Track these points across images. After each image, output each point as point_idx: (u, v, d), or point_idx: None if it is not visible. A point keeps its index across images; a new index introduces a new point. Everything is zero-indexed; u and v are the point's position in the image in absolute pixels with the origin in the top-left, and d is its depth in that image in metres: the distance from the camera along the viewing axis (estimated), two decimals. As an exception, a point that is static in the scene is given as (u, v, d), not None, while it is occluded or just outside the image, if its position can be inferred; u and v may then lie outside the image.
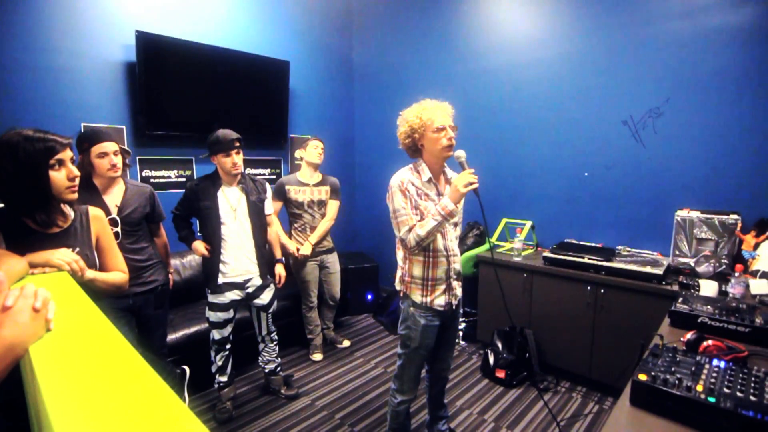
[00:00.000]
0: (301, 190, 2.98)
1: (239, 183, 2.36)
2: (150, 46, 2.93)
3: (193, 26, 3.24)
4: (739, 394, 1.10)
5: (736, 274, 1.97)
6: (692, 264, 2.47)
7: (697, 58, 2.50)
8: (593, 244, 2.93)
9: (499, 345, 2.86)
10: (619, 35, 2.77)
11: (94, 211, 1.40)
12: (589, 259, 2.63)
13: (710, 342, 1.46)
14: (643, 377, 1.22)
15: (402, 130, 1.76)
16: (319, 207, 3.03)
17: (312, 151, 2.95)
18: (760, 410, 1.02)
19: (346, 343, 3.36)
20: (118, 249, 1.49)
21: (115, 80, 2.95)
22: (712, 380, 1.17)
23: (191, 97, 3.22)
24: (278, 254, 2.64)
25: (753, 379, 1.16)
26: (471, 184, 1.62)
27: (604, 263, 2.56)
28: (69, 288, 1.04)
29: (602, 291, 2.56)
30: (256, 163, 3.78)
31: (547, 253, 2.80)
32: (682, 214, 2.51)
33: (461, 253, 3.15)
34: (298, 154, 3.10)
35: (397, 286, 1.86)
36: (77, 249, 1.27)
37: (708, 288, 2.11)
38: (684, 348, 1.48)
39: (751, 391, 1.11)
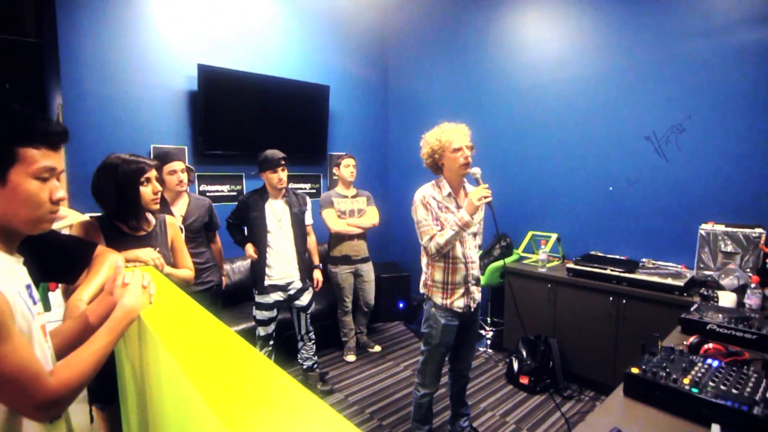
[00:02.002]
0: (343, 201, 3.28)
1: (284, 196, 2.67)
2: (209, 77, 3.35)
3: (245, 58, 3.66)
4: (722, 387, 1.23)
5: (752, 286, 2.02)
6: (716, 277, 2.51)
7: (717, 75, 2.58)
8: (617, 257, 3.00)
9: (524, 353, 2.97)
10: (641, 54, 2.88)
11: (170, 219, 1.73)
12: (611, 270, 2.72)
13: (711, 345, 1.57)
14: (635, 370, 1.36)
15: (424, 151, 1.99)
16: (359, 215, 3.31)
17: (345, 170, 3.26)
18: (738, 401, 1.15)
19: (378, 348, 3.58)
20: (187, 251, 1.80)
21: (179, 107, 3.39)
22: (700, 375, 1.30)
23: (242, 120, 3.62)
24: (316, 260, 2.92)
25: (741, 376, 1.28)
26: (485, 197, 1.80)
27: (626, 275, 2.64)
28: (156, 277, 1.34)
29: (624, 302, 2.63)
30: (298, 178, 4.13)
31: (570, 265, 2.91)
32: (706, 227, 2.56)
33: (488, 264, 3.32)
34: (335, 171, 3.41)
35: (421, 290, 2.07)
36: (158, 248, 1.58)
37: (726, 299, 2.17)
38: (686, 350, 1.58)
39: (735, 385, 1.23)
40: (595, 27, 3.10)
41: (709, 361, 1.41)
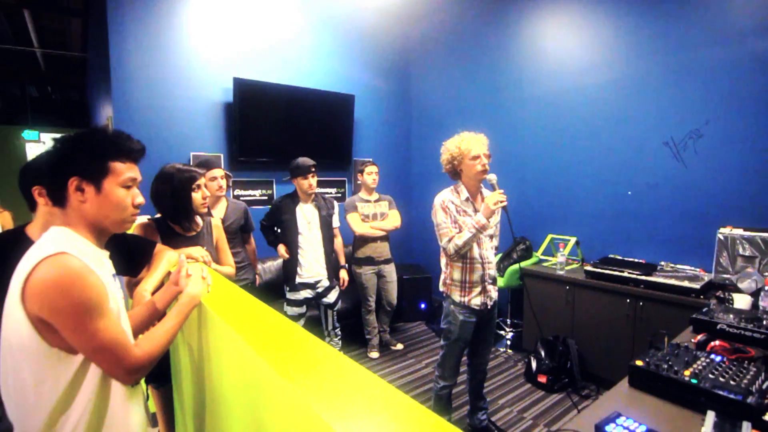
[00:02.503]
0: (366, 205, 3.46)
1: (313, 200, 2.86)
2: (243, 89, 3.60)
3: (275, 70, 3.89)
4: (721, 379, 1.32)
5: (766, 288, 2.07)
6: (734, 280, 2.55)
7: (735, 81, 2.63)
8: (635, 260, 3.05)
9: (542, 352, 3.06)
10: (659, 61, 2.95)
11: (215, 221, 1.94)
12: (629, 273, 2.78)
13: (717, 342, 1.65)
14: (639, 363, 1.47)
15: (444, 158, 2.13)
16: (381, 218, 3.48)
17: (368, 177, 3.43)
18: (734, 391, 1.25)
19: (400, 346, 3.72)
20: (228, 249, 2.00)
21: (216, 117, 3.65)
22: (701, 368, 1.39)
23: (273, 128, 3.85)
24: (342, 261, 3.10)
25: (740, 370, 1.37)
26: (500, 202, 1.93)
27: (643, 277, 2.71)
28: (208, 271, 1.54)
29: (641, 304, 2.70)
30: (324, 183, 4.33)
31: (588, 267, 2.99)
32: (724, 231, 2.60)
33: (508, 266, 3.43)
34: (359, 177, 3.60)
35: (440, 288, 2.21)
36: (205, 247, 1.78)
37: (741, 301, 2.21)
38: (694, 347, 1.67)
39: (734, 377, 1.32)
40: (615, 35, 3.18)
41: (712, 356, 1.50)
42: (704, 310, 1.98)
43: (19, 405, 0.94)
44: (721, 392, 1.24)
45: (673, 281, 2.61)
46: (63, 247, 0.92)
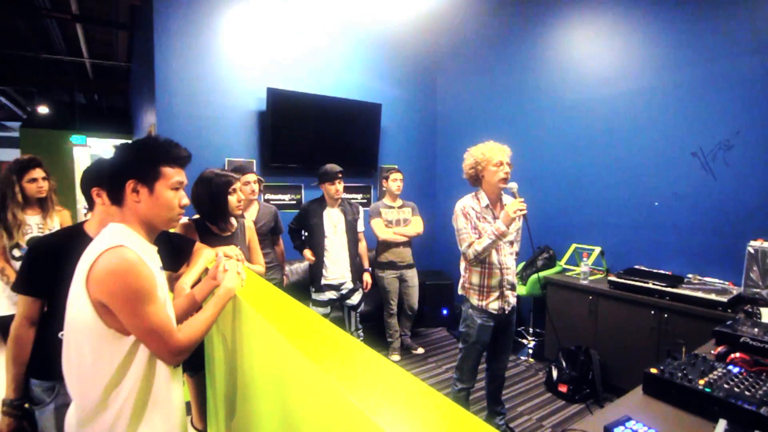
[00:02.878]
0: (389, 211, 3.55)
1: (339, 205, 2.98)
2: (276, 98, 3.78)
3: (306, 80, 4.06)
4: (736, 389, 1.33)
5: (795, 303, 2.03)
6: (765, 294, 2.49)
7: (766, 92, 2.58)
8: (662, 271, 3.01)
9: (564, 362, 3.06)
10: (688, 71, 2.93)
11: (248, 223, 2.08)
12: (653, 284, 2.76)
13: (737, 354, 1.64)
14: (653, 371, 1.49)
15: (468, 163, 2.20)
16: (404, 224, 3.57)
17: (392, 183, 3.53)
18: (748, 401, 1.26)
19: (421, 350, 3.78)
20: (260, 249, 2.14)
21: (250, 125, 3.84)
22: (716, 378, 1.40)
23: (303, 135, 4.01)
24: (366, 264, 3.20)
25: (757, 382, 1.38)
26: (520, 210, 1.99)
27: (669, 289, 2.68)
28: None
29: (666, 316, 2.67)
30: (350, 189, 4.46)
31: (612, 278, 2.97)
32: (755, 245, 2.55)
33: (530, 275, 3.44)
34: (383, 184, 3.70)
35: (459, 291, 2.27)
36: (239, 246, 1.92)
37: (769, 316, 2.17)
38: (713, 358, 1.67)
39: (749, 388, 1.33)
40: (643, 44, 3.17)
41: (730, 367, 1.50)
42: (728, 323, 1.96)
43: (79, 379, 1.08)
44: (734, 402, 1.26)
45: (699, 294, 2.57)
46: (120, 240, 1.05)
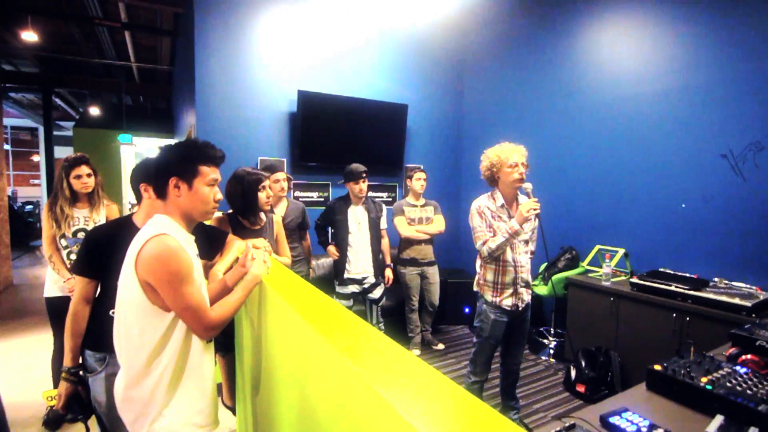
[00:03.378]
0: (412, 209, 3.66)
1: (363, 203, 3.12)
2: (306, 100, 3.96)
3: (335, 82, 4.23)
4: (738, 388, 1.36)
5: (821, 309, 1.99)
6: (793, 300, 2.43)
7: (801, 94, 2.51)
8: (686, 275, 2.97)
9: (583, 362, 3.06)
10: (717, 71, 2.87)
11: (276, 218, 2.24)
12: (676, 287, 2.73)
13: (749, 356, 1.65)
14: (657, 367, 1.53)
15: (484, 164, 2.28)
16: (426, 222, 3.67)
17: (416, 183, 3.62)
18: (747, 399, 1.29)
19: (441, 346, 3.86)
20: (286, 243, 2.30)
21: (282, 125, 4.04)
22: (719, 377, 1.43)
23: (331, 136, 4.17)
24: (388, 260, 3.32)
25: (762, 382, 1.39)
26: (534, 210, 2.05)
27: (691, 292, 2.65)
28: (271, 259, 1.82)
29: (688, 319, 2.64)
30: (377, 188, 4.59)
31: (634, 280, 2.96)
32: (785, 249, 2.49)
33: (552, 275, 3.46)
34: (407, 182, 3.80)
35: (474, 288, 2.35)
36: (267, 239, 2.08)
37: (794, 322, 2.12)
38: (725, 360, 1.68)
39: (752, 387, 1.36)
40: (672, 42, 3.13)
41: (737, 368, 1.52)
42: (746, 326, 1.95)
43: (127, 349, 1.25)
44: (734, 399, 1.29)
45: (723, 298, 2.53)
46: (164, 229, 1.22)
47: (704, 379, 1.40)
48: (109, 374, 1.57)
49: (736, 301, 2.47)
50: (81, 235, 2.54)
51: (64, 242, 2.53)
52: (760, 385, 1.36)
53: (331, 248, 3.15)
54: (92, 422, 1.66)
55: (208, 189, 1.32)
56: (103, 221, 2.60)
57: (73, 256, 2.51)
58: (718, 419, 1.25)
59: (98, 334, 1.57)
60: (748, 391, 1.33)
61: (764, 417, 1.21)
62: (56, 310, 2.52)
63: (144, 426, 1.24)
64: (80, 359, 1.59)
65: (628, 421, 1.25)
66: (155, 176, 1.31)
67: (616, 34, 3.53)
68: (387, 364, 0.77)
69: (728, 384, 1.37)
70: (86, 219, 2.58)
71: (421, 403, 0.63)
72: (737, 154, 2.80)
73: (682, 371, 1.46)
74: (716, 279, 2.88)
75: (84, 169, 2.52)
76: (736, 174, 2.81)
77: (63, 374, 1.56)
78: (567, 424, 1.25)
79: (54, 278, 2.53)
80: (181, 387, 1.26)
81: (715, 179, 2.91)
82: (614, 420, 1.25)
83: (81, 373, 1.58)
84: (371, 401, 0.68)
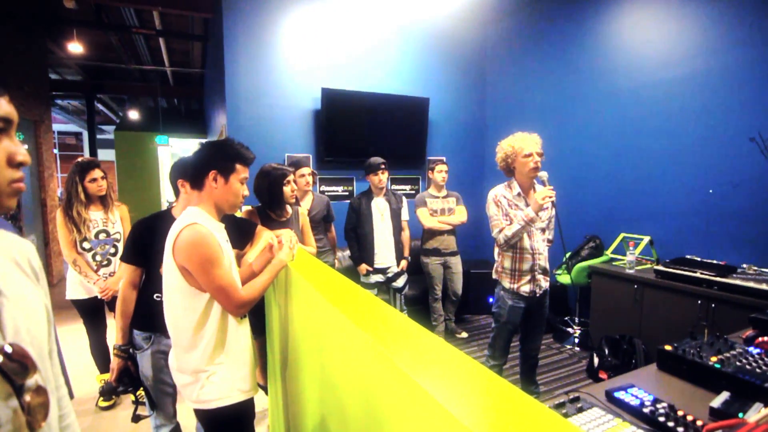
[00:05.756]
0: (434, 201, 3.74)
1: (384, 195, 3.23)
2: (330, 97, 4.09)
3: (358, 79, 4.34)
4: (747, 367, 1.38)
5: None
6: (826, 286, 2.36)
7: (834, 72, 2.42)
8: (713, 261, 2.92)
9: (606, 350, 3.07)
10: (746, 53, 2.79)
11: (302, 210, 2.38)
12: (701, 274, 2.70)
13: (765, 338, 1.66)
14: (668, 347, 1.57)
15: (499, 156, 2.33)
16: (449, 213, 3.74)
17: (437, 174, 3.69)
18: (755, 376, 1.32)
19: (464, 335, 3.94)
20: (311, 233, 2.44)
21: (307, 122, 4.19)
22: (730, 356, 1.45)
23: (354, 131, 4.30)
24: (406, 252, 3.42)
25: (773, 362, 1.40)
26: (549, 197, 2.09)
27: (716, 278, 2.61)
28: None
29: (713, 306, 2.61)
30: (400, 180, 4.69)
31: (659, 267, 2.93)
32: (817, 234, 2.42)
33: (576, 264, 3.47)
34: (429, 174, 3.88)
35: (493, 275, 2.42)
36: (293, 229, 2.22)
37: (822, 307, 2.08)
38: (741, 342, 1.69)
39: (761, 367, 1.38)
40: (698, 25, 3.05)
41: (751, 348, 1.53)
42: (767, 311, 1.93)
43: (174, 326, 1.42)
44: (741, 376, 1.32)
45: (750, 284, 2.49)
46: (196, 219, 1.37)
47: (714, 359, 1.43)
48: (155, 351, 1.75)
49: (763, 287, 2.43)
50: (103, 236, 2.66)
51: (87, 245, 2.61)
52: (768, 365, 1.38)
53: (362, 266, 3.24)
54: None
55: (239, 185, 1.47)
56: (119, 221, 2.75)
57: (98, 257, 2.65)
58: (724, 395, 1.29)
59: (144, 316, 1.76)
60: (757, 370, 1.35)
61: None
62: (86, 310, 2.72)
63: (195, 391, 1.41)
64: (129, 338, 1.78)
65: (632, 395, 1.30)
66: (195, 168, 1.46)
67: (639, 19, 3.46)
68: (404, 340, 0.78)
69: (738, 363, 1.40)
70: (104, 221, 2.68)
71: (444, 380, 0.62)
72: (766, 138, 2.72)
73: (692, 351, 1.49)
74: (745, 265, 2.81)
75: (98, 173, 2.60)
76: (766, 158, 2.73)
77: (114, 351, 1.75)
78: (571, 397, 1.32)
79: (77, 280, 2.62)
80: (223, 357, 1.42)
81: (743, 163, 2.84)
82: (619, 395, 1.31)
83: (130, 350, 1.77)
84: (389, 373, 0.69)
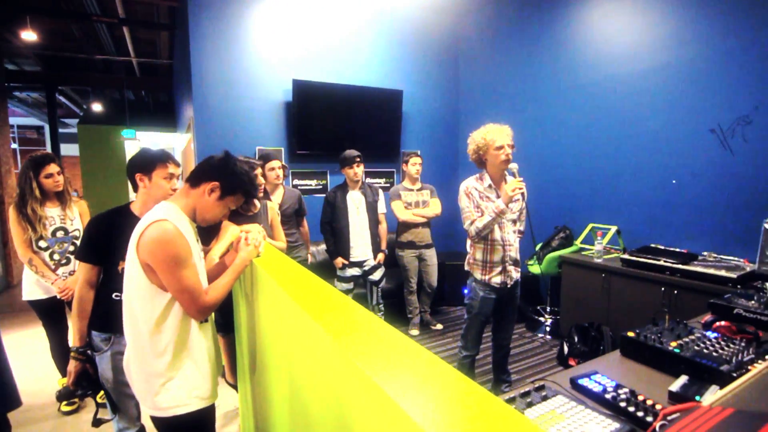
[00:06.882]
0: (409, 193, 3.73)
1: (360, 188, 3.20)
2: (301, 89, 4.01)
3: (330, 70, 4.27)
4: (705, 351, 1.43)
5: (802, 278, 2.04)
6: (779, 271, 2.47)
7: (787, 66, 2.52)
8: (676, 249, 3.02)
9: (575, 337, 3.15)
10: (705, 46, 2.88)
11: (270, 204, 2.32)
12: (664, 261, 2.79)
13: (723, 323, 1.72)
14: (630, 334, 1.60)
15: (471, 148, 2.33)
16: (423, 206, 3.74)
17: (411, 167, 3.68)
18: (711, 360, 1.36)
19: (439, 326, 3.97)
20: (281, 228, 2.38)
21: (278, 115, 4.10)
22: (688, 341, 1.50)
23: (327, 124, 4.23)
24: (382, 246, 3.41)
25: (728, 345, 1.46)
26: (518, 189, 2.10)
27: (678, 266, 2.70)
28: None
29: (676, 293, 2.70)
30: (374, 174, 4.65)
31: (624, 256, 3.01)
32: (771, 222, 2.52)
33: (546, 254, 3.53)
34: (403, 167, 3.86)
35: (465, 267, 2.43)
36: (262, 224, 2.17)
37: (776, 291, 2.18)
38: (700, 327, 1.74)
39: (717, 350, 1.42)
40: (660, 20, 3.13)
41: (708, 333, 1.59)
42: (726, 296, 2.01)
43: (131, 326, 1.36)
44: (698, 360, 1.36)
45: (710, 270, 2.59)
46: (165, 215, 1.30)
47: (674, 344, 1.47)
48: (114, 353, 1.68)
49: (722, 273, 2.52)
50: (60, 234, 2.53)
51: (43, 243, 2.48)
52: (726, 348, 1.43)
53: (338, 260, 3.23)
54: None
55: (225, 208, 1.46)
56: (77, 218, 2.61)
57: (56, 256, 2.52)
58: (682, 379, 1.32)
59: (103, 316, 1.68)
60: (714, 354, 1.40)
61: (725, 375, 1.28)
62: (44, 311, 2.59)
63: (150, 397, 1.35)
64: (87, 340, 1.71)
65: (596, 382, 1.33)
66: (208, 169, 1.42)
67: (605, 14, 3.52)
68: (369, 341, 0.77)
69: (696, 347, 1.44)
70: (62, 218, 2.53)
71: (405, 380, 0.62)
72: (726, 129, 2.82)
73: (653, 337, 1.53)
74: (705, 253, 2.92)
75: (54, 167, 2.46)
76: (724, 148, 2.84)
77: (72, 353, 1.67)
78: (537, 385, 1.34)
79: (33, 280, 2.50)
80: (182, 363, 1.36)
81: (704, 154, 2.94)
82: (583, 381, 1.33)
83: (88, 352, 1.69)
84: (354, 378, 0.68)
